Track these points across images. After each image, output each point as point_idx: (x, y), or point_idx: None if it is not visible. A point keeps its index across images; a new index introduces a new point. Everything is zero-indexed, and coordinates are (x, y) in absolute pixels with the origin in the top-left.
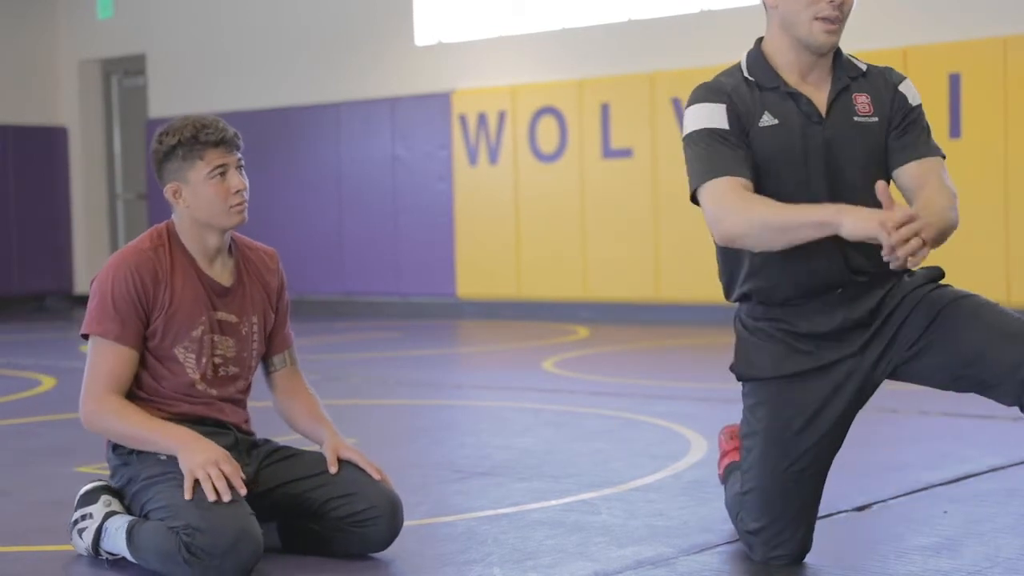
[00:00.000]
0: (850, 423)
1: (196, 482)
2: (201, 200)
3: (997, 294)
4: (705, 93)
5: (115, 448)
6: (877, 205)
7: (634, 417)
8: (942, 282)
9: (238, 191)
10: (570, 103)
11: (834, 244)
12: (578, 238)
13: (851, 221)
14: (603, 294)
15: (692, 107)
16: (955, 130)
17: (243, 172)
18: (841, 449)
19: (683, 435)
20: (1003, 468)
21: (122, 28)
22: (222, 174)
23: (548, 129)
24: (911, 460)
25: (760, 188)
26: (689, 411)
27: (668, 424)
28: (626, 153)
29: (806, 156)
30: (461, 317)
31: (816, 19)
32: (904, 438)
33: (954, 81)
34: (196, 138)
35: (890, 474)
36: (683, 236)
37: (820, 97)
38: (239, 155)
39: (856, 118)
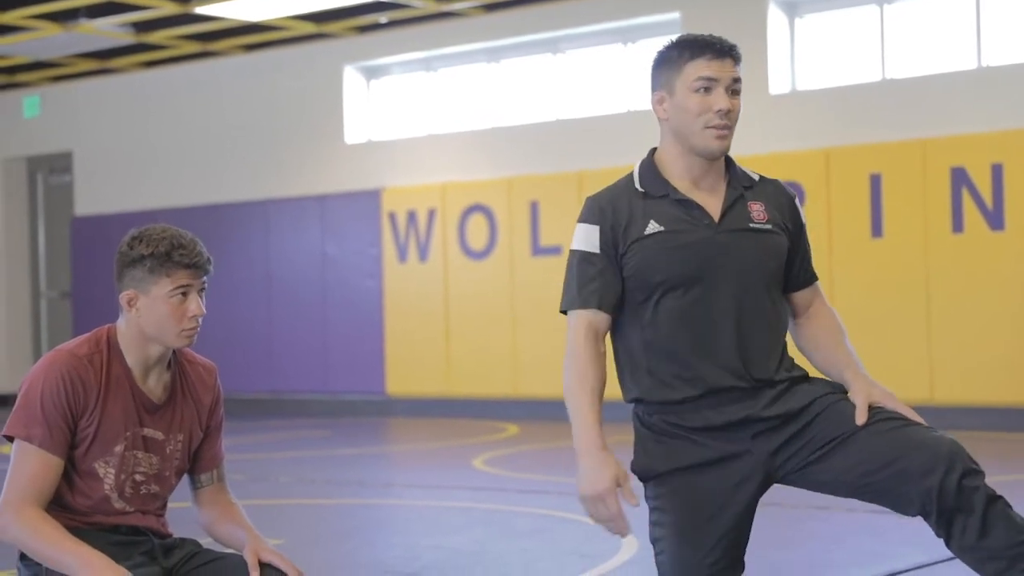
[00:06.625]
0: (753, 516)
1: None
2: (155, 315)
3: (920, 392)
4: (587, 212)
5: (23, 558)
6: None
7: (564, 515)
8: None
9: (194, 316)
10: (500, 201)
11: (733, 348)
12: (508, 335)
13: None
14: (533, 391)
15: (578, 224)
16: (877, 229)
17: (203, 297)
18: (769, 547)
19: None
20: (928, 565)
21: (48, 126)
22: (184, 295)
23: (478, 226)
24: (838, 559)
25: (658, 296)
26: None
27: None
28: (555, 251)
29: (700, 260)
30: (390, 415)
31: (707, 128)
32: (831, 535)
33: (875, 181)
34: (169, 255)
35: (818, 571)
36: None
37: (713, 204)
38: (205, 280)
39: (751, 224)
